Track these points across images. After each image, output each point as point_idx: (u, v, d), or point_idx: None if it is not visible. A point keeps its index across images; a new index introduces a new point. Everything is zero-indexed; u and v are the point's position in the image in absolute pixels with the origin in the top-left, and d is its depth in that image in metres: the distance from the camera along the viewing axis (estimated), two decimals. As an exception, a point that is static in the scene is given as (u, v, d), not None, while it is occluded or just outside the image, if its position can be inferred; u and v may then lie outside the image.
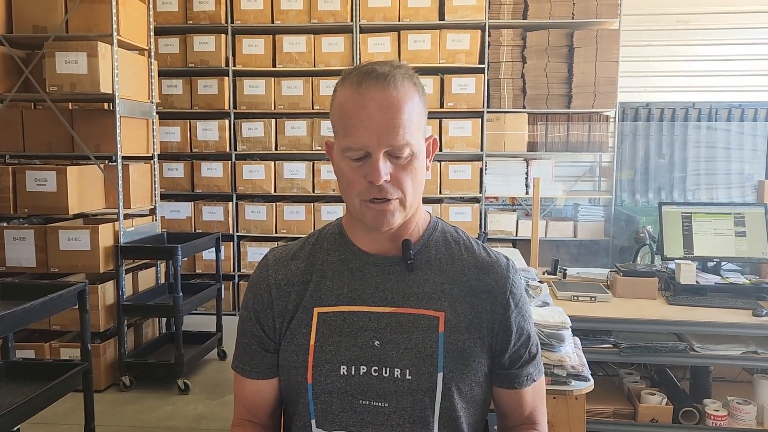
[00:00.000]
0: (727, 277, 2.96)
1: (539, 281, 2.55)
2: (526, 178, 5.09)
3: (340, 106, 1.06)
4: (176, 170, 5.23)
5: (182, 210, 5.23)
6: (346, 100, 1.05)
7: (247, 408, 1.19)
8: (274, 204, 5.17)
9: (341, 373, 1.07)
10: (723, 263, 3.07)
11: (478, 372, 1.10)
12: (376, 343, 1.07)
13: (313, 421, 1.09)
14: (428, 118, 1.15)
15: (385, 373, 1.06)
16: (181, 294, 3.66)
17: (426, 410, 1.06)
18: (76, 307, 2.69)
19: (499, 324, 1.11)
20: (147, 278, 4.13)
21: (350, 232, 1.15)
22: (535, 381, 1.16)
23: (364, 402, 1.06)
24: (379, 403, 1.06)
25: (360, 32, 5.05)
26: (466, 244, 1.17)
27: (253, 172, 5.18)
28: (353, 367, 1.07)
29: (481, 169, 5.06)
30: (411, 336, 1.07)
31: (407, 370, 1.06)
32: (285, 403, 1.19)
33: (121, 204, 3.70)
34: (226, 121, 5.20)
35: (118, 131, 3.62)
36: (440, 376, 1.06)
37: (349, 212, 1.15)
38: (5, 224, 3.66)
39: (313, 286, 1.13)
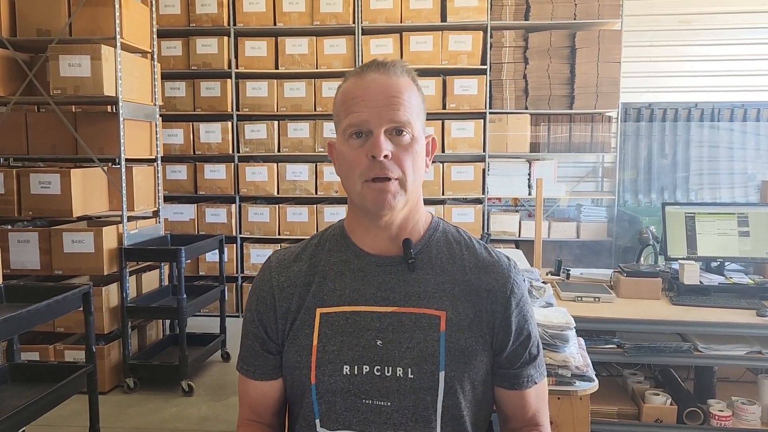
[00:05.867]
0: (730, 277, 2.96)
1: (543, 282, 2.56)
2: (529, 179, 5.08)
3: (342, 94, 1.10)
4: (179, 172, 5.24)
5: (185, 212, 5.24)
6: (349, 86, 1.09)
7: (252, 408, 1.20)
8: (277, 206, 5.18)
9: (344, 373, 1.07)
10: (726, 263, 3.06)
11: (479, 371, 1.10)
12: (378, 342, 1.08)
13: (317, 421, 1.09)
14: (430, 120, 1.16)
15: (388, 372, 1.07)
16: (184, 296, 3.66)
17: (428, 409, 1.06)
18: (81, 309, 2.69)
19: (500, 323, 1.11)
20: (151, 280, 4.13)
21: (352, 233, 1.16)
22: (536, 383, 1.16)
23: (367, 401, 1.07)
24: (382, 402, 1.06)
25: (362, 34, 5.06)
26: (468, 243, 1.17)
27: (256, 174, 5.19)
28: (356, 367, 1.07)
29: (484, 170, 5.06)
30: (413, 335, 1.08)
31: (409, 369, 1.06)
32: (289, 403, 1.20)
33: (124, 206, 3.71)
34: (229, 123, 5.21)
35: (121, 134, 3.63)
36: (442, 374, 1.06)
37: (350, 213, 1.16)
38: (9, 227, 3.67)
39: (316, 287, 1.13)
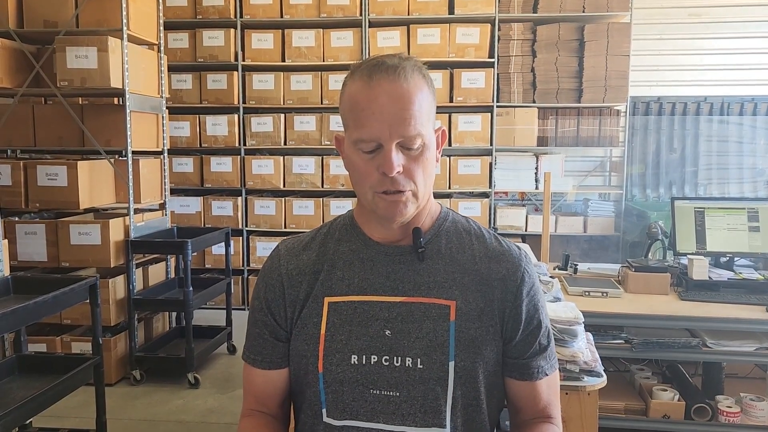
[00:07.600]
0: (740, 273, 2.94)
1: (550, 277, 2.54)
2: (536, 173, 5.07)
3: (350, 99, 1.06)
4: (186, 165, 5.24)
5: (192, 205, 5.24)
6: (357, 92, 1.04)
7: (257, 398, 1.19)
8: (283, 199, 5.18)
9: (352, 363, 1.07)
10: (736, 259, 3.04)
11: (490, 360, 1.09)
12: (387, 332, 1.07)
13: (323, 411, 1.09)
14: (437, 113, 1.14)
15: (397, 362, 1.06)
16: (191, 288, 3.67)
17: (438, 399, 1.06)
18: (88, 301, 2.70)
19: (509, 311, 1.10)
20: (157, 273, 4.14)
21: (361, 223, 1.16)
22: (547, 375, 1.14)
23: (375, 391, 1.06)
24: (391, 393, 1.06)
25: (369, 26, 5.04)
26: (478, 233, 1.17)
27: (262, 167, 5.18)
28: (364, 357, 1.07)
29: (491, 164, 5.04)
30: (422, 325, 1.07)
31: (419, 359, 1.06)
32: (293, 394, 1.19)
33: (131, 198, 3.71)
34: (236, 116, 5.20)
35: (128, 126, 3.63)
36: (452, 364, 1.06)
37: (360, 203, 1.15)
38: (17, 219, 3.68)
39: (324, 276, 1.13)
